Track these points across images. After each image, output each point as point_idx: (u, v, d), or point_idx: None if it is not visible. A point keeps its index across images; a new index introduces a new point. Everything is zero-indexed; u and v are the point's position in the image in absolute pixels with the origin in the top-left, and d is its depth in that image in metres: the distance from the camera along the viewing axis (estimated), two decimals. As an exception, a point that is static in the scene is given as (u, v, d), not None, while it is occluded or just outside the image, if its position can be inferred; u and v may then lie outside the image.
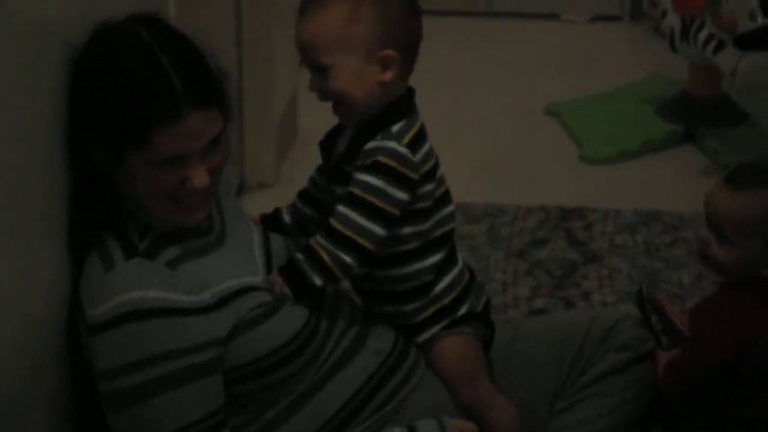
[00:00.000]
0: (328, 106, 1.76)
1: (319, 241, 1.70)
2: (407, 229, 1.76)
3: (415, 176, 1.71)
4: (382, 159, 1.69)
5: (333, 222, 1.69)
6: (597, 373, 1.90)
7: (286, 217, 1.93)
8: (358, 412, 1.73)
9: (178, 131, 1.56)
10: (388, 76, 1.72)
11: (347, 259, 1.68)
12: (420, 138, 1.75)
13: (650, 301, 1.99)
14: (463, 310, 1.84)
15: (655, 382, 1.92)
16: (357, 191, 1.69)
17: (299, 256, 1.70)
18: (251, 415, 1.69)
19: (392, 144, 1.70)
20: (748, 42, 3.26)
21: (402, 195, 1.70)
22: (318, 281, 1.69)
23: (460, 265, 1.87)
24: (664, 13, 3.61)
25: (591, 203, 3.22)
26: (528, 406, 1.89)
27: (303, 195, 1.93)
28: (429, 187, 1.77)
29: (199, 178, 1.60)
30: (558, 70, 4.16)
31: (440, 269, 1.82)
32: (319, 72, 1.72)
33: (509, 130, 3.73)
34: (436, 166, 1.79)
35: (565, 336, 1.93)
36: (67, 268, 1.65)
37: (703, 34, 3.39)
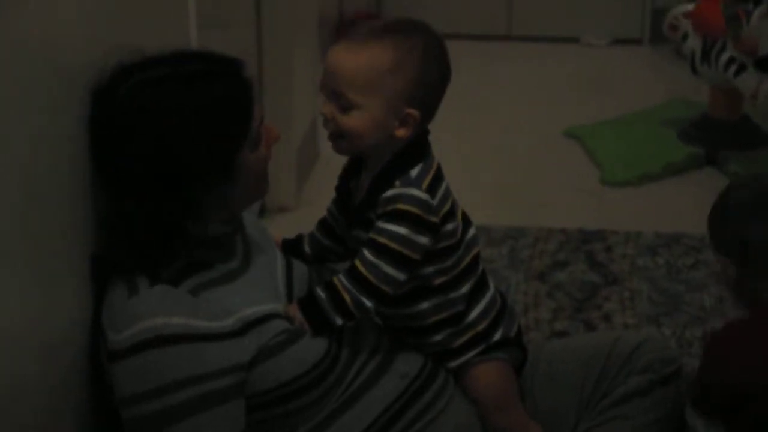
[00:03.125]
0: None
1: (342, 282, 1.69)
2: (430, 269, 1.75)
3: (436, 220, 1.70)
4: (404, 207, 1.67)
5: (359, 267, 1.68)
6: (619, 396, 1.89)
7: (307, 248, 1.92)
8: None
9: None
10: (402, 132, 1.70)
11: (367, 302, 1.68)
12: (437, 180, 1.73)
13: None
14: (497, 336, 1.83)
15: (680, 405, 1.91)
16: (382, 240, 1.67)
17: (321, 294, 1.70)
18: None
19: (413, 191, 1.68)
20: None
21: (425, 240, 1.68)
22: (338, 320, 1.69)
23: (491, 290, 1.86)
24: (685, 36, 3.65)
25: (612, 226, 3.22)
26: (550, 429, 1.88)
27: (322, 226, 1.92)
28: (450, 226, 1.75)
29: (272, 130, 1.73)
30: (578, 94, 4.19)
31: (471, 297, 1.81)
32: (339, 104, 1.70)
33: (530, 153, 3.75)
34: (454, 204, 1.78)
35: (587, 358, 1.92)
36: (90, 293, 1.65)
37: (724, 57, 3.41)
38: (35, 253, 1.49)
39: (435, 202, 1.70)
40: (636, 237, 3.15)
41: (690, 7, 3.60)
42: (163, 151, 1.60)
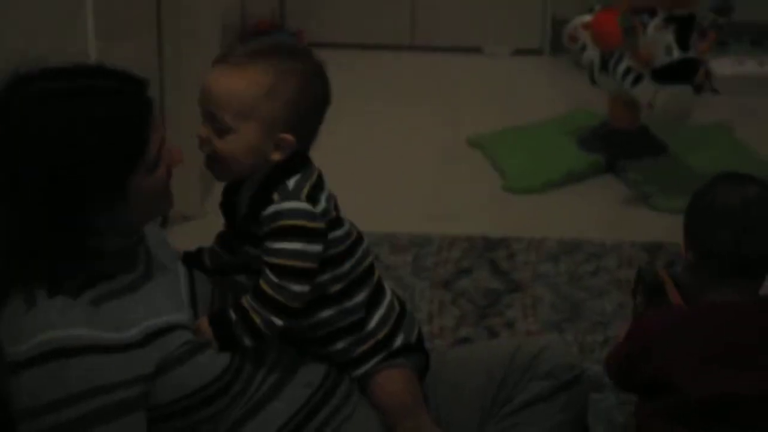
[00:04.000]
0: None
1: (251, 304, 1.69)
2: (326, 276, 1.76)
3: (322, 226, 1.71)
4: (288, 222, 1.68)
5: (265, 288, 1.68)
6: (522, 402, 1.90)
7: (207, 260, 1.91)
8: None
9: (154, 129, 1.64)
10: (277, 157, 1.71)
11: (277, 321, 1.68)
12: (317, 188, 1.74)
13: (646, 283, 2.04)
14: (398, 343, 1.84)
15: (584, 409, 1.95)
16: (280, 260, 1.68)
17: (232, 315, 1.69)
18: None
19: (293, 204, 1.69)
20: (665, 75, 3.33)
21: (318, 248, 1.70)
22: (248, 342, 1.69)
23: (388, 297, 1.87)
24: (584, 47, 3.67)
25: (515, 233, 3.24)
26: None
27: (221, 240, 1.91)
28: (339, 232, 1.77)
29: (176, 152, 1.69)
30: (481, 103, 4.20)
31: (369, 305, 1.82)
32: (215, 126, 1.69)
33: (433, 162, 3.76)
34: (339, 211, 1.79)
35: (489, 365, 1.94)
36: None
37: (621, 68, 3.44)
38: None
39: (318, 209, 1.71)
40: (538, 244, 3.18)
41: (588, 18, 3.62)
42: (53, 166, 1.57)
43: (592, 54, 3.60)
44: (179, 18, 3.14)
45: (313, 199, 1.71)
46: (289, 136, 1.70)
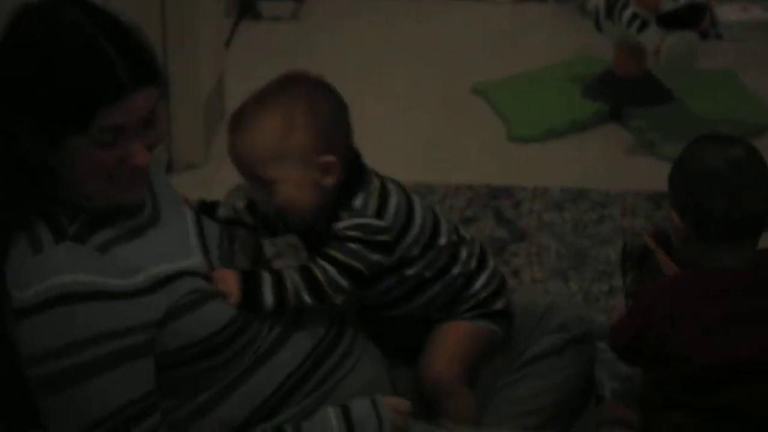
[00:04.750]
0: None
1: (292, 275, 1.72)
2: (410, 271, 1.82)
3: (388, 239, 1.76)
4: (354, 234, 1.73)
5: (314, 269, 1.73)
6: (535, 353, 1.94)
7: (220, 213, 1.91)
8: (293, 393, 1.73)
9: (121, 111, 1.54)
10: (330, 181, 1.74)
11: (307, 299, 1.72)
12: (383, 198, 1.78)
13: (635, 258, 2.04)
14: (499, 305, 1.91)
15: (592, 361, 1.99)
16: (336, 253, 1.73)
17: (265, 276, 1.72)
18: (184, 399, 1.69)
19: (360, 220, 1.74)
20: (671, 21, 3.31)
21: (377, 257, 1.75)
22: (270, 304, 1.71)
23: (491, 267, 1.93)
24: None
25: (519, 182, 3.25)
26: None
27: (259, 217, 1.91)
28: (409, 239, 1.81)
29: (141, 155, 1.59)
30: (485, 51, 4.17)
31: (471, 275, 1.89)
32: (261, 186, 1.73)
33: (437, 110, 3.74)
34: (411, 212, 1.82)
35: None
36: None
37: (627, 14, 3.42)
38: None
39: (386, 222, 1.76)
40: (543, 193, 3.19)
41: (594, -36, 3.60)
42: (35, 86, 1.54)
43: (597, 0, 3.57)
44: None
45: (380, 213, 1.76)
46: (328, 157, 1.72)
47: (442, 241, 1.85)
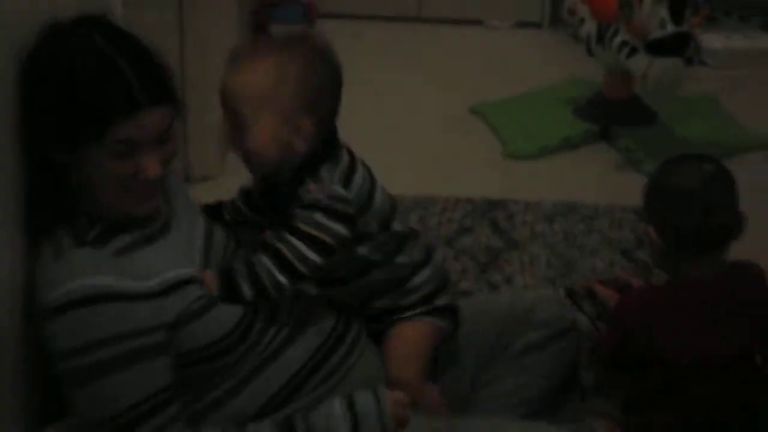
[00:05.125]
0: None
1: (259, 256, 1.71)
2: (361, 250, 1.82)
3: (351, 211, 1.74)
4: (320, 202, 1.71)
5: (278, 245, 1.70)
6: (518, 349, 1.97)
7: (227, 215, 1.95)
8: (301, 387, 1.75)
9: (135, 126, 1.57)
10: (300, 144, 1.72)
11: (281, 278, 1.70)
12: (350, 172, 1.77)
13: (577, 293, 2.05)
14: (443, 301, 1.91)
15: (573, 355, 2.00)
16: (301, 225, 1.70)
17: (237, 266, 1.71)
18: (196, 395, 1.71)
19: (325, 186, 1.72)
20: (658, 48, 3.36)
21: (341, 228, 1.72)
22: (248, 292, 1.70)
23: (436, 265, 1.92)
24: (582, 21, 3.69)
25: (513, 195, 3.28)
26: (454, 380, 1.97)
27: (246, 196, 1.94)
28: (368, 216, 1.80)
29: (153, 168, 1.60)
30: (482, 73, 4.20)
31: (415, 267, 1.88)
32: (235, 128, 1.71)
33: (438, 129, 3.77)
34: (373, 190, 1.81)
35: (488, 315, 2.01)
36: (22, 257, 1.66)
37: (617, 40, 3.47)
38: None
39: (350, 194, 1.75)
40: (535, 206, 3.22)
41: (587, -7, 3.59)
42: (58, 99, 1.57)
43: (589, 27, 3.61)
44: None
45: (345, 186, 1.74)
46: (307, 121, 1.71)
47: (396, 227, 1.84)
